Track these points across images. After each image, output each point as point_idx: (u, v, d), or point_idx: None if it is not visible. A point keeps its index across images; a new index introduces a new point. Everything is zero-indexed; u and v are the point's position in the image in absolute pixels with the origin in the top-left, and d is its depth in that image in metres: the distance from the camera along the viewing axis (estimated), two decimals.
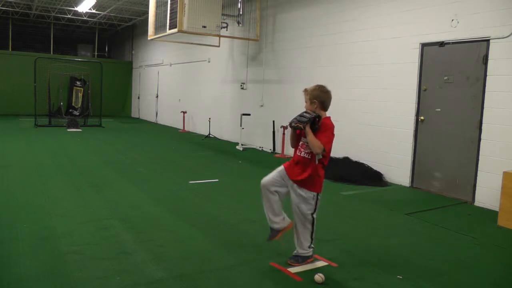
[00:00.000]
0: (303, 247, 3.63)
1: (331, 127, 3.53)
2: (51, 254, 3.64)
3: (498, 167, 5.61)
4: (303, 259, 3.64)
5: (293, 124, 3.54)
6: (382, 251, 4.08)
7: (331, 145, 3.53)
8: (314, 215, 3.61)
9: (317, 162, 3.54)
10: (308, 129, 3.45)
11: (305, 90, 3.63)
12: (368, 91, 7.70)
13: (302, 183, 3.57)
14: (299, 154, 3.63)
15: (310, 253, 3.67)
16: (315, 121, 3.47)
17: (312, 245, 3.66)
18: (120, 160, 8.56)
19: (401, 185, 7.07)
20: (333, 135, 3.54)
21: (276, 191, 3.63)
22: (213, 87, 13.30)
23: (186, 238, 4.21)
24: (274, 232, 3.72)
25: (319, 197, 3.61)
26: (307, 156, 3.55)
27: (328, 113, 3.67)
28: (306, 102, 3.62)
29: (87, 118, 15.31)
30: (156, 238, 4.14)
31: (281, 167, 3.69)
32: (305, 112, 3.56)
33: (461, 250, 4.21)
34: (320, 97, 3.54)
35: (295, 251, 3.68)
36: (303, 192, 3.56)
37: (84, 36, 23.24)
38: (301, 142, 3.64)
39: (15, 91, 18.03)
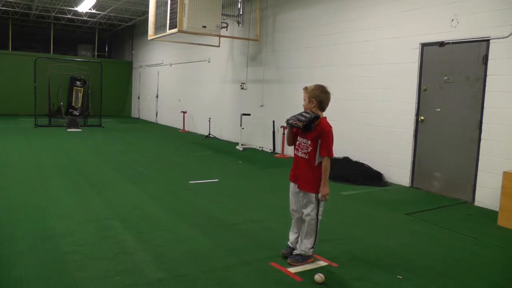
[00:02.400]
0: (305, 248, 3.63)
1: (329, 130, 3.54)
2: (51, 254, 3.64)
3: (498, 167, 5.61)
4: (304, 259, 3.64)
5: (290, 122, 3.57)
6: (382, 251, 4.08)
7: (332, 146, 3.55)
8: (319, 217, 3.62)
9: (316, 163, 3.56)
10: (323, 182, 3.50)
11: (305, 88, 3.65)
12: (368, 91, 7.70)
13: (302, 186, 3.62)
14: (296, 153, 3.69)
15: (310, 253, 3.67)
16: (313, 122, 3.50)
17: (314, 246, 3.67)
18: (120, 160, 8.56)
19: (401, 185, 7.07)
20: (332, 138, 3.56)
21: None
22: (213, 87, 13.30)
23: (186, 238, 4.21)
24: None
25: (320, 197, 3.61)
26: (304, 156, 3.60)
27: (328, 113, 3.68)
28: (304, 100, 3.64)
29: (87, 118, 15.31)
30: (156, 238, 4.14)
31: (290, 187, 3.78)
32: (305, 112, 3.58)
33: (461, 250, 4.21)
34: (319, 97, 3.56)
35: (295, 251, 3.69)
36: (304, 195, 3.61)
37: (84, 36, 23.24)
38: (298, 142, 3.68)
39: (15, 91, 18.03)
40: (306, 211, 3.61)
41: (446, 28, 6.36)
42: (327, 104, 3.62)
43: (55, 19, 19.76)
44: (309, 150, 3.57)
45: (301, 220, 3.71)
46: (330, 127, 3.57)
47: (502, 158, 5.65)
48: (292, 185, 3.76)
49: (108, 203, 5.31)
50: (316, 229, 3.62)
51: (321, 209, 3.62)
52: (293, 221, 3.81)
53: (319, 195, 3.53)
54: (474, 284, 3.45)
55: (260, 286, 3.25)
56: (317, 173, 3.55)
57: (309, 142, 3.56)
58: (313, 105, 3.57)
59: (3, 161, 7.86)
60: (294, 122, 3.54)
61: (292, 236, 3.82)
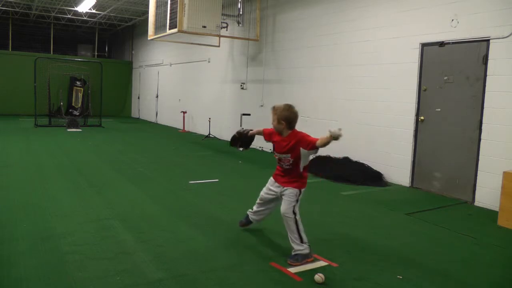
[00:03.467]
0: (296, 246, 3.69)
1: (301, 133, 3.77)
2: (51, 254, 3.64)
3: (498, 167, 5.61)
4: (302, 257, 3.66)
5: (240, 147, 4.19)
6: (382, 251, 4.08)
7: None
8: (295, 212, 3.72)
9: (301, 169, 3.80)
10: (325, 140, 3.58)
11: (273, 109, 3.84)
12: (368, 91, 7.70)
13: (286, 184, 3.83)
14: (282, 166, 3.90)
15: (307, 250, 3.69)
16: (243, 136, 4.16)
17: (305, 241, 3.70)
18: (120, 160, 8.56)
19: (401, 185, 7.07)
20: (306, 134, 3.79)
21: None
22: (213, 87, 13.30)
23: (186, 238, 4.21)
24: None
25: (301, 194, 3.81)
26: (289, 167, 3.82)
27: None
28: (273, 121, 3.83)
29: (87, 118, 15.31)
30: (156, 238, 4.14)
31: (270, 179, 4.06)
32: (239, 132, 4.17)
33: (461, 250, 4.21)
34: (288, 118, 3.75)
35: (293, 251, 3.71)
36: (288, 190, 3.79)
37: (84, 36, 23.23)
38: (277, 157, 3.90)
39: (15, 91, 18.03)
40: (283, 208, 3.77)
41: (446, 28, 6.36)
42: (295, 122, 3.81)
43: (55, 19, 19.76)
44: (291, 162, 3.78)
45: (264, 209, 4.16)
46: (300, 132, 3.79)
47: (502, 158, 5.65)
48: (272, 181, 4.02)
49: (108, 203, 5.31)
50: (297, 226, 3.70)
51: (297, 207, 3.74)
52: (258, 201, 4.18)
53: (332, 130, 3.50)
54: (474, 284, 3.45)
55: (260, 286, 3.25)
56: (302, 174, 3.82)
57: (289, 155, 3.77)
58: (283, 126, 3.78)
59: (3, 161, 7.86)
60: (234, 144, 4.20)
61: (254, 207, 4.23)
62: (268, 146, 10.46)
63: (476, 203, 5.97)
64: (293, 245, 3.69)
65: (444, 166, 6.51)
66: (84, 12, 17.23)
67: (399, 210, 5.58)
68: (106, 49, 24.55)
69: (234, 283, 3.27)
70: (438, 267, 3.75)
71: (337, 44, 8.41)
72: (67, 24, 20.58)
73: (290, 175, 3.82)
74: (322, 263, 3.68)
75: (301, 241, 3.68)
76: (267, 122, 10.78)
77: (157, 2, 10.69)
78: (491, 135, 5.79)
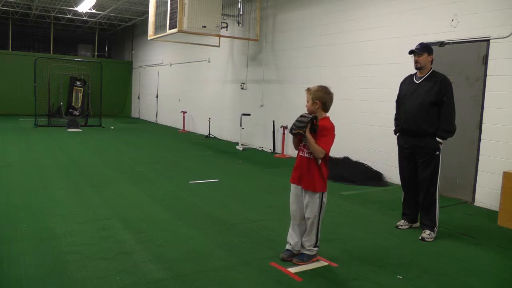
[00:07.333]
0: (307, 246, 3.66)
1: (331, 128, 3.57)
2: (51, 254, 3.64)
3: (498, 167, 5.61)
4: (309, 258, 3.66)
5: (293, 132, 3.56)
6: (382, 251, 4.08)
7: (331, 145, 3.56)
8: (320, 216, 3.63)
9: (319, 162, 3.57)
10: (308, 136, 3.46)
11: (308, 90, 3.65)
12: (368, 91, 7.70)
13: (307, 186, 3.61)
14: (301, 154, 3.68)
15: (315, 252, 3.70)
16: (313, 122, 3.49)
17: (317, 245, 3.69)
18: (120, 160, 8.56)
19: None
20: (333, 136, 3.57)
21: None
22: (213, 87, 13.30)
23: (186, 238, 4.21)
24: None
25: (324, 197, 3.63)
26: (309, 156, 3.59)
27: (328, 113, 3.69)
28: (308, 101, 3.64)
29: (87, 118, 15.31)
30: (156, 238, 4.14)
31: (291, 186, 3.75)
32: (301, 115, 3.56)
33: (461, 250, 4.21)
34: (322, 98, 3.58)
35: (301, 250, 3.71)
36: (308, 195, 3.61)
37: (84, 36, 23.23)
38: (302, 143, 3.67)
39: (15, 91, 18.02)
40: (307, 213, 3.62)
41: (446, 28, 6.36)
42: (330, 105, 3.64)
43: (55, 19, 19.75)
44: None
45: (303, 223, 3.70)
46: (332, 125, 3.59)
47: (502, 158, 5.65)
48: (293, 187, 3.73)
49: (108, 203, 5.31)
50: (317, 227, 3.64)
51: (323, 208, 3.63)
52: (293, 224, 3.74)
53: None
54: (474, 284, 3.45)
55: (260, 286, 3.25)
56: (321, 172, 3.57)
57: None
58: (317, 106, 3.58)
59: (3, 161, 7.86)
60: (295, 131, 3.52)
61: (292, 240, 3.76)
62: (268, 146, 10.47)
63: (476, 203, 5.97)
64: (304, 244, 3.67)
65: (444, 166, 6.49)
66: (84, 12, 17.23)
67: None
68: (106, 49, 24.54)
69: (234, 283, 3.27)
70: (438, 267, 3.75)
71: (337, 44, 8.41)
72: (67, 24, 20.58)
73: (310, 168, 3.57)
74: (322, 263, 3.68)
75: (315, 244, 3.66)
76: (267, 122, 10.84)
77: (157, 2, 10.70)
78: (491, 135, 5.79)
